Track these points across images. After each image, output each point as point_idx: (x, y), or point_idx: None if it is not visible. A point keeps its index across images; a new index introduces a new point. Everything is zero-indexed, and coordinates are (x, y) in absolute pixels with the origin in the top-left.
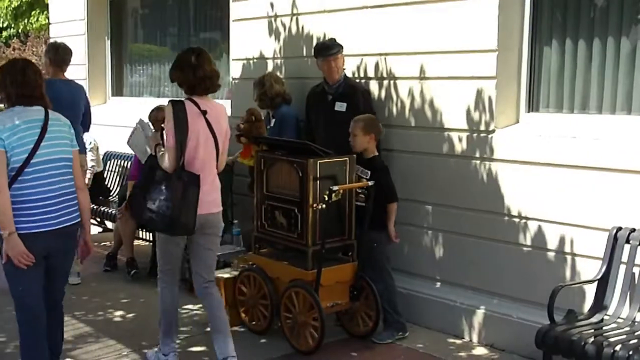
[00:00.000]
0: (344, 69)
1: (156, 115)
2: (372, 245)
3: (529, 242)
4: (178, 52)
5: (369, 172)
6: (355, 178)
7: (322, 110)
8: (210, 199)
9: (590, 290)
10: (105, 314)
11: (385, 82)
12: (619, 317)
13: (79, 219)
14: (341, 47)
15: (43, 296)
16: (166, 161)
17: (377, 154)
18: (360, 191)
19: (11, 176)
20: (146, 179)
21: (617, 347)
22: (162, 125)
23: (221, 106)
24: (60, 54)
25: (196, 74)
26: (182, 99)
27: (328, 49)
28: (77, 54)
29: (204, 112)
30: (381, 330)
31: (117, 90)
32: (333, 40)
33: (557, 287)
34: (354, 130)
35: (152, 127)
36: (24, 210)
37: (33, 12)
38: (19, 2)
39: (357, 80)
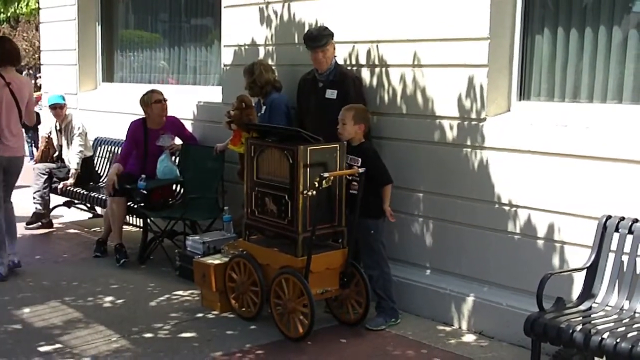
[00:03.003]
0: (334, 57)
1: (150, 96)
2: (369, 233)
3: (518, 230)
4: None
5: (360, 160)
6: (346, 166)
7: (313, 97)
8: (15, 147)
9: (579, 279)
10: (95, 300)
11: (377, 70)
12: (607, 305)
13: None
14: (331, 36)
15: None
16: None
17: (364, 140)
18: (351, 178)
19: None
20: None
21: (605, 335)
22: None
23: (24, 78)
24: None
25: None
26: None
27: (315, 41)
28: (68, 39)
29: (9, 84)
30: (374, 316)
31: (108, 76)
32: (322, 29)
33: (547, 275)
34: (344, 119)
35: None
36: None
37: None
38: None
39: (349, 68)
